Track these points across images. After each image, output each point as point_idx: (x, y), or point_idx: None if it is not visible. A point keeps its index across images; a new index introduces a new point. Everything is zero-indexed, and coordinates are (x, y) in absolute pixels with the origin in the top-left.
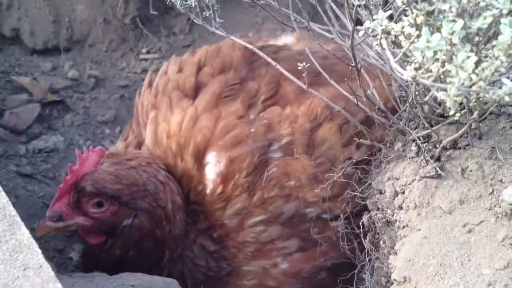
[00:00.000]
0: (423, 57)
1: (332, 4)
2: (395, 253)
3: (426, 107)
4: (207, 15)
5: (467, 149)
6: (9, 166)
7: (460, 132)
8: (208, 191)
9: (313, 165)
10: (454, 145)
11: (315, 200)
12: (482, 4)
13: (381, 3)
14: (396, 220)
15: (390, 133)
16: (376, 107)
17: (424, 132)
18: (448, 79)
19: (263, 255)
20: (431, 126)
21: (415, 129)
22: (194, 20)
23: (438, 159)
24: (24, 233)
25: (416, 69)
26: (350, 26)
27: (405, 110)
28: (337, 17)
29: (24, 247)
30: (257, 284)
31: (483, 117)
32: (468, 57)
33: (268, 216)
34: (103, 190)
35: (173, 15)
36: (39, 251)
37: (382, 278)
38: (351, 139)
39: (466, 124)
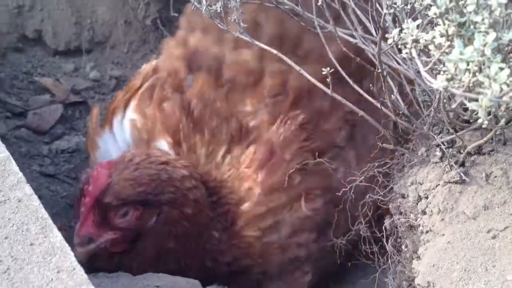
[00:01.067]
0: (456, 69)
1: (356, 9)
2: (418, 257)
3: (451, 113)
4: (232, 19)
5: (491, 155)
6: (32, 166)
7: (485, 138)
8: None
9: None
10: (479, 150)
11: None
12: None
13: (408, 10)
14: (419, 224)
15: (413, 138)
16: (401, 112)
17: (449, 137)
18: (480, 90)
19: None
20: (456, 131)
21: (439, 134)
22: (219, 26)
23: (462, 164)
24: (56, 235)
25: (448, 80)
26: (374, 31)
27: (428, 115)
28: (360, 21)
29: (57, 249)
30: None
31: (509, 124)
32: (501, 68)
33: None
34: (128, 198)
35: None
36: (72, 253)
37: (404, 282)
38: None
39: (491, 130)
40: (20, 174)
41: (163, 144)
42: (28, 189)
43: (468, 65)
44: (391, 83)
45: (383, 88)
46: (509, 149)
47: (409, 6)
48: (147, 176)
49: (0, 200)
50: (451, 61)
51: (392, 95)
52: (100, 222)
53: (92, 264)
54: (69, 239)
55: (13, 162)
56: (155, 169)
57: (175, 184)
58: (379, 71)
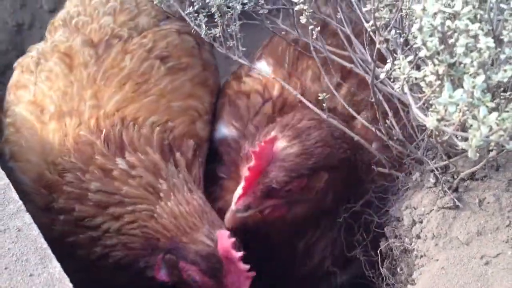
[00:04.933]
0: (445, 111)
1: (352, 37)
2: (413, 281)
3: (444, 143)
4: (231, 45)
5: (484, 181)
6: None
7: (478, 166)
8: None
9: None
10: (472, 176)
11: None
12: (503, 56)
13: (401, 42)
14: (414, 249)
15: (407, 162)
16: (395, 138)
17: (442, 163)
18: (469, 131)
19: None
20: (449, 157)
21: (432, 159)
22: (218, 49)
23: (455, 190)
24: (55, 266)
25: (439, 120)
26: (368, 57)
27: (423, 139)
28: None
29: (56, 281)
30: None
31: (500, 153)
32: (490, 111)
33: None
34: (299, 172)
35: None
36: (71, 285)
37: None
38: None
39: (484, 156)
40: (20, 203)
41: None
42: (27, 218)
43: (457, 106)
44: (386, 107)
45: (377, 115)
46: (502, 175)
47: (402, 40)
48: (320, 148)
49: (0, 229)
50: (441, 104)
51: (387, 120)
52: (264, 195)
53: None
54: None
55: (13, 189)
56: (327, 131)
57: (344, 145)
58: (373, 100)
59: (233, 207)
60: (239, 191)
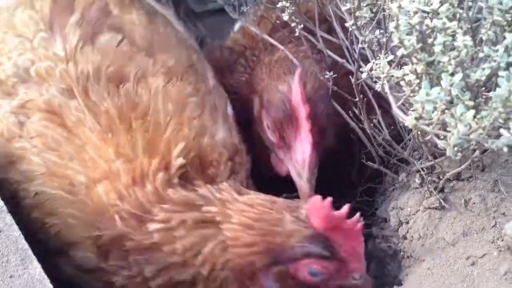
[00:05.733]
0: (423, 109)
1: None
2: (399, 282)
3: (428, 143)
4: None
5: (470, 181)
6: None
7: (463, 166)
8: None
9: None
10: (458, 176)
11: None
12: (481, 55)
13: (384, 42)
14: (400, 249)
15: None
16: (381, 137)
17: (428, 164)
18: (448, 128)
19: None
20: (435, 157)
21: (419, 159)
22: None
23: (441, 190)
24: (36, 267)
25: (417, 119)
26: (352, 67)
27: (409, 139)
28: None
29: (36, 282)
30: None
31: (485, 153)
32: (467, 109)
33: None
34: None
35: None
36: (51, 286)
37: None
38: None
39: (468, 156)
40: (1, 203)
41: None
42: (9, 219)
43: (435, 105)
44: (375, 106)
45: (362, 116)
46: (488, 176)
47: (385, 39)
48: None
49: None
50: (418, 102)
51: (374, 119)
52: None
53: None
54: None
55: None
56: None
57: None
58: (356, 100)
59: (306, 175)
60: (306, 155)
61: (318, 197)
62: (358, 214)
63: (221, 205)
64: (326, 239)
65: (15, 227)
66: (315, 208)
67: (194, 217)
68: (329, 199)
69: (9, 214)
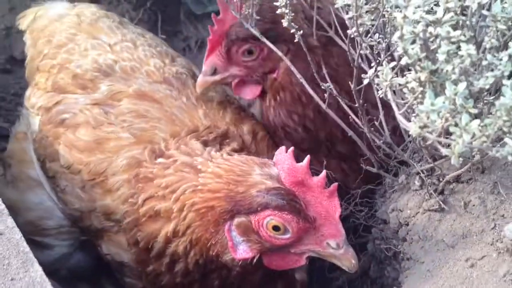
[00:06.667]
0: (427, 118)
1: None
2: (399, 284)
3: (429, 147)
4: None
5: (470, 183)
6: None
7: (463, 169)
8: None
9: None
10: (457, 178)
11: None
12: (485, 63)
13: (384, 48)
14: (400, 251)
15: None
16: (381, 141)
17: (428, 166)
18: (452, 137)
19: None
20: (435, 160)
21: (419, 162)
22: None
23: (441, 192)
24: (37, 270)
25: (421, 128)
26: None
27: (410, 142)
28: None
29: (37, 284)
30: None
31: (485, 157)
32: (472, 118)
33: None
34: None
35: (181, 38)
36: None
37: None
38: None
39: (469, 159)
40: (3, 206)
41: None
42: (10, 222)
43: (440, 114)
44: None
45: (362, 119)
46: (487, 178)
47: (384, 45)
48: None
49: None
50: (423, 111)
51: (375, 122)
52: (226, 55)
53: None
54: None
55: None
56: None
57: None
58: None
59: (203, 68)
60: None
61: (282, 148)
62: (324, 173)
63: (208, 158)
64: (292, 195)
65: (16, 229)
66: (280, 160)
67: (183, 160)
68: (292, 148)
69: (10, 217)
